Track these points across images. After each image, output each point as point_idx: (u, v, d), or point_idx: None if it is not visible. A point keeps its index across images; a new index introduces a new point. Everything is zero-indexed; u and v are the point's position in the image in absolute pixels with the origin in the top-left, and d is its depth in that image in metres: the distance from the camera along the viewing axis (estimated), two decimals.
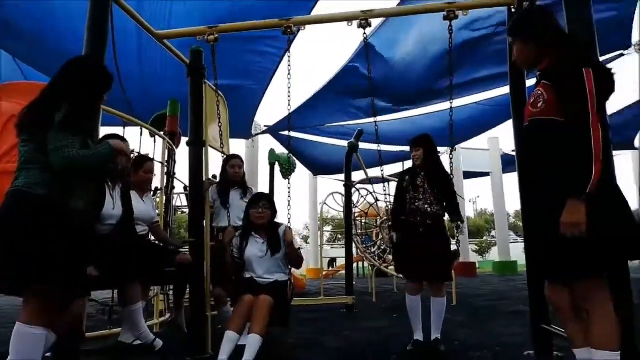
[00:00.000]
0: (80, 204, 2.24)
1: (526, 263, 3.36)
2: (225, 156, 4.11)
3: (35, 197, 2.13)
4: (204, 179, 3.77)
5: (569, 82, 2.01)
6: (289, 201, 3.61)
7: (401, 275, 4.01)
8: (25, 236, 2.05)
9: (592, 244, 1.91)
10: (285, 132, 11.60)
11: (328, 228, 28.03)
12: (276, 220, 3.62)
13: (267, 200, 3.57)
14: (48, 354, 2.46)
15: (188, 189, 3.92)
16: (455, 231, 3.76)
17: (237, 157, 4.20)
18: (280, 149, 9.55)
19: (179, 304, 4.06)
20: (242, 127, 10.15)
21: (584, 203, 1.90)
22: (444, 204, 3.71)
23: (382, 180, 5.86)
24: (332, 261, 18.60)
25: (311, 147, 12.71)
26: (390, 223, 4.31)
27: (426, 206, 3.64)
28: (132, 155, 3.71)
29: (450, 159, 3.80)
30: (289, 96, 3.63)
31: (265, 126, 11.30)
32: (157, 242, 3.86)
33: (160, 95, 7.25)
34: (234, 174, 4.04)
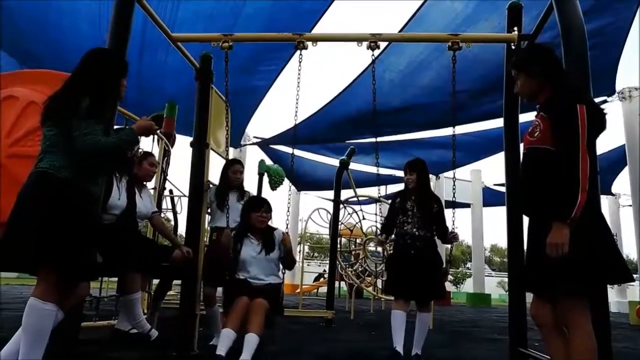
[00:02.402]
0: (98, 190, 2.37)
1: (508, 285, 3.56)
2: (225, 161, 4.26)
3: (59, 179, 2.24)
4: (204, 181, 3.91)
5: (563, 116, 2.23)
6: (288, 207, 3.83)
7: (383, 297, 4.14)
8: (47, 216, 2.16)
9: (577, 262, 2.12)
10: (276, 147, 11.84)
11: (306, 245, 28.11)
12: (270, 224, 3.77)
13: (268, 205, 3.72)
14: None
15: (185, 190, 4.05)
16: (444, 265, 3.91)
17: (239, 162, 4.34)
18: (268, 162, 9.75)
19: (156, 303, 4.14)
20: (232, 135, 10.33)
21: (567, 226, 2.11)
22: (433, 228, 3.82)
23: (372, 200, 6.03)
24: (319, 277, 18.67)
25: (298, 162, 12.94)
26: (376, 239, 4.46)
27: (414, 230, 3.76)
28: (139, 151, 3.83)
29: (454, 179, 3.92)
30: (297, 108, 3.81)
31: (255, 137, 11.50)
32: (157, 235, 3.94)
33: (157, 96, 7.41)
34: (235, 179, 4.18)
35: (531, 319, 2.47)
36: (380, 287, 8.24)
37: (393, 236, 3.99)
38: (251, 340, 3.08)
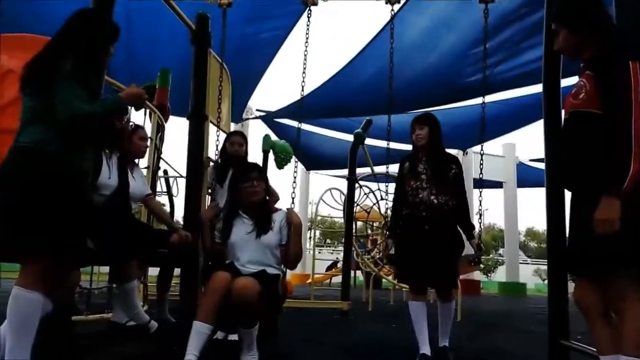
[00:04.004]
0: (88, 167, 2.38)
1: (548, 270, 3.53)
2: (227, 134, 4.26)
3: (44, 154, 2.24)
4: (204, 157, 3.91)
5: (613, 73, 2.17)
6: (293, 188, 3.72)
7: (401, 285, 4.03)
8: (32, 197, 2.16)
9: (631, 241, 2.08)
10: (282, 121, 11.83)
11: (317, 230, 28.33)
12: (273, 204, 3.68)
13: (258, 171, 3.40)
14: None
15: (182, 170, 4.05)
16: (472, 264, 3.70)
17: (239, 133, 4.35)
18: (274, 137, 9.74)
19: (163, 296, 4.19)
20: (233, 108, 10.31)
21: (618, 200, 2.07)
22: (451, 193, 3.57)
23: (392, 178, 6.01)
24: (333, 266, 18.65)
25: (307, 137, 12.89)
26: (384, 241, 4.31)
27: (432, 197, 3.51)
28: (130, 124, 3.83)
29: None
30: (304, 74, 3.79)
31: (258, 110, 11.48)
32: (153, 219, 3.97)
33: (148, 64, 7.39)
34: (234, 151, 4.17)
35: (575, 305, 2.44)
36: None
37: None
38: (247, 334, 2.90)
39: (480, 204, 3.71)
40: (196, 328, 2.80)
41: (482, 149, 3.84)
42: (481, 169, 3.70)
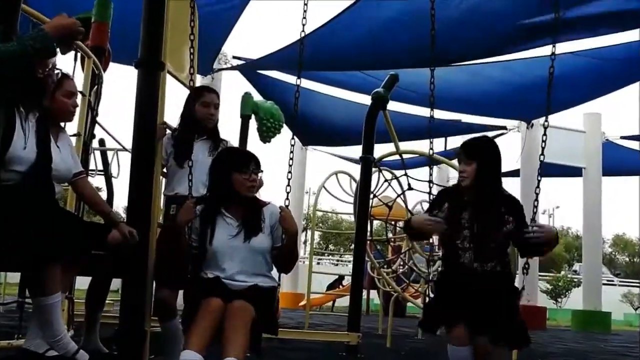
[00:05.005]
0: None
1: None
2: (192, 90, 4.29)
3: None
4: (158, 122, 3.93)
5: None
6: (288, 180, 3.69)
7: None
8: None
9: None
10: (269, 73, 11.84)
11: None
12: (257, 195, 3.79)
13: (257, 161, 3.67)
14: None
15: (125, 140, 4.07)
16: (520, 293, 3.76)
17: (212, 91, 4.37)
18: (258, 97, 9.74)
19: (95, 317, 4.22)
20: (201, 55, 10.32)
21: None
22: (507, 256, 3.74)
23: (425, 158, 6.00)
24: (337, 282, 18.61)
25: (305, 98, 12.87)
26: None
27: (475, 264, 3.65)
28: (56, 72, 3.83)
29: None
30: (305, 4, 3.80)
31: (236, 58, 11.52)
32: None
33: None
34: (208, 116, 4.19)
35: None
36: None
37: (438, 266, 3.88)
38: None
39: (536, 201, 3.69)
40: (186, 358, 3.05)
41: (546, 121, 3.86)
42: (543, 149, 3.71)
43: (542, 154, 3.80)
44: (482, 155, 3.73)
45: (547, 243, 3.58)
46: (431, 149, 4.43)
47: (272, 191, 4.61)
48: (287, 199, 3.66)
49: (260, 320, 3.29)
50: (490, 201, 3.71)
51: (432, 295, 3.87)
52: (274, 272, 3.66)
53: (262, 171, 3.74)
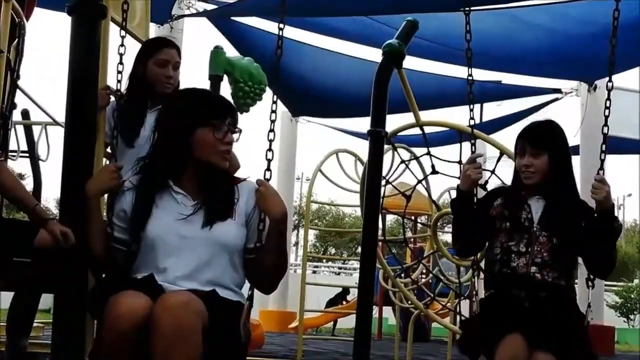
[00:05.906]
0: None
1: None
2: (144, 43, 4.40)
3: None
4: (99, 87, 4.03)
5: None
6: (269, 157, 3.47)
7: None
8: None
9: None
10: (245, 21, 11.93)
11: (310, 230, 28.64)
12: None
13: (235, 117, 3.37)
14: None
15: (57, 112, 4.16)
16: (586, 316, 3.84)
17: (172, 45, 4.48)
18: (232, 52, 9.81)
19: (18, 343, 4.37)
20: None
21: None
22: (574, 265, 3.88)
23: (455, 132, 6.10)
24: (340, 298, 18.66)
25: (293, 53, 12.93)
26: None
27: (532, 270, 3.72)
28: None
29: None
30: None
31: (201, 0, 11.62)
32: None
33: None
34: (164, 79, 4.29)
35: None
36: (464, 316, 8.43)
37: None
38: None
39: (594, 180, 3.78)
40: None
41: (610, 81, 3.95)
42: (606, 118, 3.81)
43: (606, 124, 3.91)
44: (555, 145, 3.83)
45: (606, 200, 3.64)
46: (472, 117, 4.50)
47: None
48: (268, 176, 3.37)
49: (217, 338, 2.83)
50: (563, 198, 3.80)
51: (473, 311, 3.95)
52: (245, 287, 3.33)
53: (240, 130, 3.37)
